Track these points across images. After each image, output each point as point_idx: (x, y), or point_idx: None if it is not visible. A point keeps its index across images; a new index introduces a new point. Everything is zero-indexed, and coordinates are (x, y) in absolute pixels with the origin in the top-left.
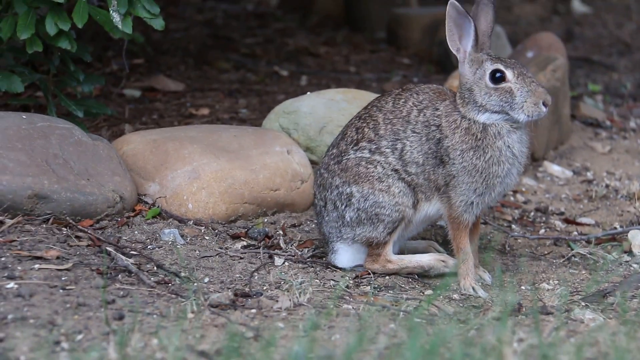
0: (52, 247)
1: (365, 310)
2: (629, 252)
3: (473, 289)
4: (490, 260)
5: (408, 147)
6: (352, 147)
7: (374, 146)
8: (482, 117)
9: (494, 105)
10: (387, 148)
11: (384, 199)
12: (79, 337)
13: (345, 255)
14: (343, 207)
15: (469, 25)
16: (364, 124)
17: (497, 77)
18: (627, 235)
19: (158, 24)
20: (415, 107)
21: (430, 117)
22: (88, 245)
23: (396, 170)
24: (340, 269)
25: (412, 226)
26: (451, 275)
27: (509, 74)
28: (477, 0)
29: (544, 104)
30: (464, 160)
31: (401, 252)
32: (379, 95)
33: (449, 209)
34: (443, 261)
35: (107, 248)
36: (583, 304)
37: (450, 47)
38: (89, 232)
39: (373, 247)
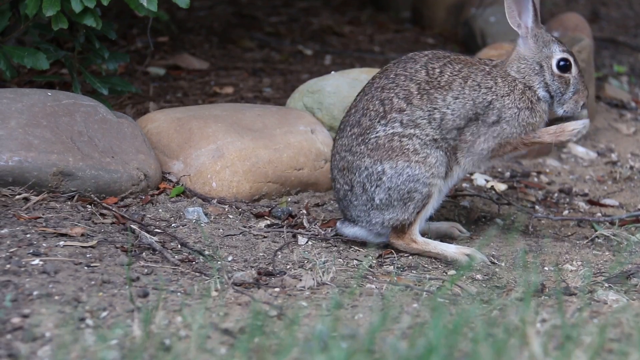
0: (76, 224)
1: (388, 290)
2: None
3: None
4: (514, 241)
5: (449, 115)
6: (379, 122)
7: (407, 117)
8: (541, 92)
9: (554, 89)
10: (424, 119)
11: (420, 170)
12: (104, 314)
13: (362, 236)
14: (373, 188)
15: (528, 1)
16: (392, 94)
17: (562, 66)
18: None
19: (183, 2)
20: (457, 75)
21: (481, 80)
22: (112, 223)
23: (435, 140)
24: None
25: (441, 196)
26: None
27: (574, 67)
28: None
29: (584, 105)
30: (519, 117)
31: (424, 234)
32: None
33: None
34: (468, 255)
35: (132, 226)
36: (606, 285)
37: (510, 23)
38: (113, 209)
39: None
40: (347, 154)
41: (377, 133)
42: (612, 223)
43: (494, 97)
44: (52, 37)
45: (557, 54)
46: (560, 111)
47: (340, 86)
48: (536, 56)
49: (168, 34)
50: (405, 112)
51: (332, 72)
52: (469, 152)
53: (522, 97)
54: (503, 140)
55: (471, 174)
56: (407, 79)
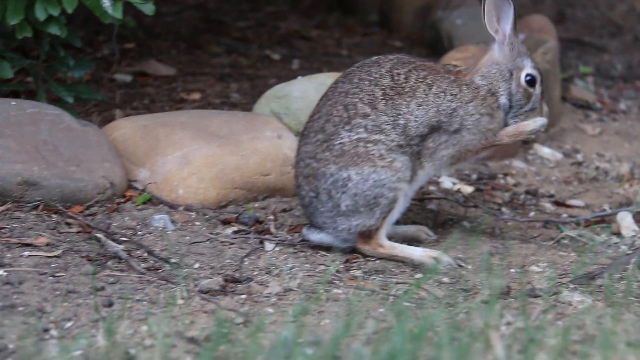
0: (41, 234)
1: (354, 295)
2: (618, 234)
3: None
4: (481, 243)
5: (413, 122)
6: (344, 127)
7: (371, 123)
8: (503, 99)
9: (516, 100)
10: (388, 124)
11: (387, 175)
12: (68, 324)
13: (328, 241)
14: (339, 194)
15: (509, 8)
16: (356, 99)
17: (529, 80)
18: (616, 217)
19: (148, 8)
20: (421, 82)
21: (446, 87)
22: (78, 232)
23: (400, 146)
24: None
25: (407, 200)
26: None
27: (539, 85)
28: None
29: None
30: (480, 124)
31: (390, 238)
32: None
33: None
34: (434, 258)
35: (97, 234)
36: (572, 286)
37: (488, 27)
38: (79, 218)
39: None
40: (312, 161)
41: (341, 139)
42: (577, 224)
43: (458, 104)
44: (17, 45)
45: (528, 68)
46: (511, 122)
47: (307, 91)
48: (509, 64)
49: (135, 40)
50: (370, 117)
51: (299, 77)
52: (431, 158)
53: (484, 102)
54: (463, 147)
55: (438, 177)
56: (372, 84)
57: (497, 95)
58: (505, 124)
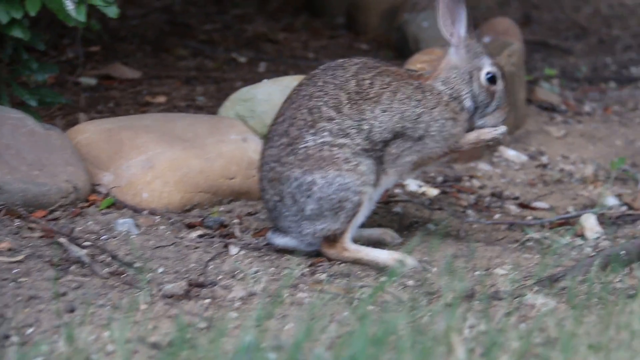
0: (3, 239)
1: (318, 299)
2: (582, 236)
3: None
4: (446, 246)
5: (377, 127)
6: (308, 131)
7: (336, 126)
8: (467, 102)
9: (480, 100)
10: (353, 128)
11: (352, 178)
12: (30, 330)
13: (293, 245)
14: (303, 198)
15: (462, 10)
16: (321, 103)
17: (490, 78)
18: (579, 219)
19: (112, 11)
20: (386, 88)
21: (411, 94)
22: (41, 237)
23: (365, 150)
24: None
25: (372, 203)
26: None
27: (501, 81)
28: None
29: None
30: (443, 129)
31: (356, 241)
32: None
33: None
34: (400, 260)
35: (60, 239)
36: (536, 288)
37: (443, 32)
38: (41, 223)
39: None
40: (276, 165)
41: (306, 143)
42: (542, 226)
43: (423, 109)
44: None
45: (487, 66)
46: (480, 122)
47: (273, 94)
48: (467, 66)
49: (100, 43)
50: (335, 121)
51: (264, 80)
52: (394, 164)
53: (447, 108)
54: (426, 154)
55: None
56: (337, 88)
57: (461, 99)
58: (473, 125)
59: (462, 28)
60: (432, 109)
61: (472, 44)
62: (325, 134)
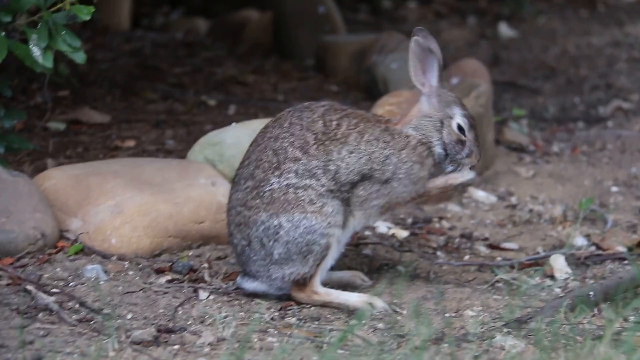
0: None
1: (287, 343)
2: (551, 277)
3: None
4: (416, 288)
5: (344, 169)
6: (273, 173)
7: (302, 167)
8: (438, 149)
9: (450, 148)
10: (319, 169)
11: (317, 220)
12: None
13: (262, 290)
14: (271, 242)
15: (433, 60)
16: (286, 143)
17: (460, 128)
18: (549, 260)
19: (80, 57)
20: (353, 129)
21: (378, 135)
22: (8, 284)
23: (331, 191)
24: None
25: (341, 246)
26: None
27: (471, 130)
28: (416, 34)
29: (471, 168)
30: (411, 172)
31: (325, 284)
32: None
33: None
34: (370, 303)
35: (28, 286)
36: (505, 330)
37: (415, 81)
38: (9, 270)
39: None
40: (243, 209)
41: (271, 185)
42: (511, 267)
43: (391, 151)
44: None
45: (458, 116)
46: (449, 168)
47: (241, 137)
48: (439, 114)
49: (69, 88)
50: (301, 162)
51: (233, 124)
52: (362, 207)
53: (414, 151)
54: (393, 198)
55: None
56: (304, 129)
57: (430, 146)
58: (442, 171)
59: (433, 77)
60: (400, 150)
61: (443, 92)
62: (291, 175)
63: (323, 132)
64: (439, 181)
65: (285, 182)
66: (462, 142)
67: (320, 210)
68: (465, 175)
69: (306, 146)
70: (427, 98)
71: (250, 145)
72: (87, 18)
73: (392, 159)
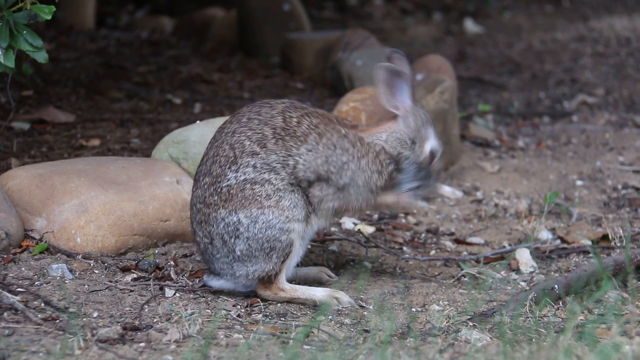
0: None
1: (253, 340)
2: (517, 270)
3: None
4: (382, 283)
5: (301, 165)
6: (230, 168)
7: (261, 161)
8: (404, 165)
9: (415, 165)
10: (278, 163)
11: (274, 215)
12: None
13: (229, 287)
14: (232, 239)
15: (404, 82)
16: (243, 137)
17: (431, 152)
18: (514, 254)
19: (41, 56)
20: (313, 130)
21: (337, 140)
22: None
23: (291, 184)
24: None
25: (305, 242)
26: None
27: (437, 158)
28: (389, 56)
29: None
30: (370, 181)
31: (291, 280)
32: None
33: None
34: (336, 298)
35: None
36: (471, 324)
37: (387, 106)
38: None
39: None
40: (203, 206)
41: (228, 181)
42: (477, 261)
43: (350, 158)
44: None
45: (432, 140)
46: (405, 184)
47: (206, 135)
48: (412, 134)
49: (33, 88)
50: (259, 156)
51: (197, 122)
52: (318, 207)
53: (376, 160)
54: (347, 203)
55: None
56: (262, 123)
57: (400, 161)
58: (399, 182)
59: (406, 99)
60: (360, 159)
61: (418, 111)
62: (249, 170)
63: (282, 127)
64: (389, 198)
65: (242, 177)
66: (427, 164)
67: (277, 204)
68: (415, 204)
69: (264, 140)
70: (403, 120)
71: (209, 142)
72: (49, 17)
73: (350, 166)
